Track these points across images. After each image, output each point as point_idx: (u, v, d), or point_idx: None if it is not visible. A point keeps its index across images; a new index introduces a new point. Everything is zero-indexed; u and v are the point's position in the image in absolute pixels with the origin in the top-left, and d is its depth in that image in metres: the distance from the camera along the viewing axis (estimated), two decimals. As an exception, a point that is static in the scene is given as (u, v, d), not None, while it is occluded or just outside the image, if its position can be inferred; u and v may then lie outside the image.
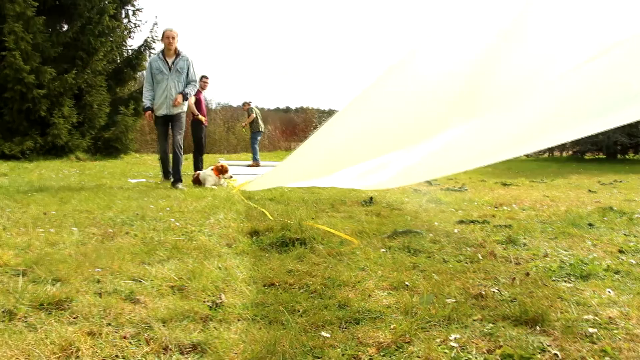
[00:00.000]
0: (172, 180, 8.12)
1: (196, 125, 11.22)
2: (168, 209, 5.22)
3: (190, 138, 11.21)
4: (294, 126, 33.11)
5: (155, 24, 20.02)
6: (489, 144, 4.04)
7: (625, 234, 4.10)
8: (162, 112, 8.03)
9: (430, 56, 3.47)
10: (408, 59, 3.44)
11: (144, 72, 24.76)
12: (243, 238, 3.84)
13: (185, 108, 8.29)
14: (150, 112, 8.02)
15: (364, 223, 4.47)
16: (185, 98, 8.10)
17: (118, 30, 18.35)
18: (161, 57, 8.01)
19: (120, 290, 2.49)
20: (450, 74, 3.56)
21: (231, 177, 9.22)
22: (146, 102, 8.02)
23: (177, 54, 8.02)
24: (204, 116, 11.07)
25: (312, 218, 4.73)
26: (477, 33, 3.26)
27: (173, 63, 7.96)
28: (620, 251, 3.47)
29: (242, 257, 3.29)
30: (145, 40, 19.75)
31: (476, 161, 4.42)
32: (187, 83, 8.17)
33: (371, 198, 6.04)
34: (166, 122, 8.14)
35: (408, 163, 4.93)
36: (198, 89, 11.48)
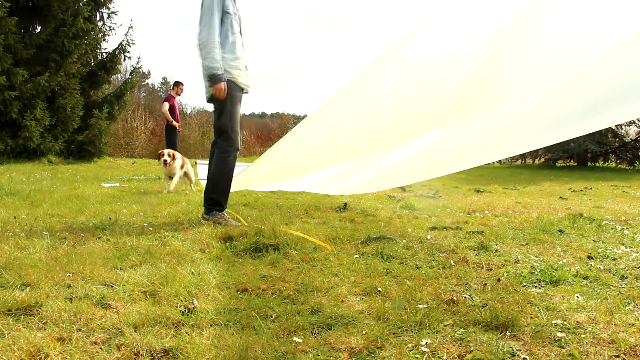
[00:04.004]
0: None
1: (170, 130, 11.26)
2: (141, 213, 5.18)
3: (164, 143, 11.34)
4: (270, 131, 33.12)
5: (131, 27, 19.84)
6: (463, 150, 4.10)
7: (594, 240, 4.17)
8: (244, 82, 4.97)
9: (405, 59, 3.52)
10: (383, 60, 3.48)
11: (119, 75, 24.39)
12: (217, 243, 3.82)
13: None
14: (223, 85, 4.71)
15: (338, 229, 4.49)
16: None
17: (92, 32, 18.22)
18: None
19: (92, 295, 2.46)
20: (427, 80, 3.61)
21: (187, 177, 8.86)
22: (221, 64, 4.70)
23: None
24: (178, 122, 11.12)
25: (286, 224, 4.74)
26: (465, 37, 3.31)
27: (237, 8, 4.98)
28: (589, 257, 3.53)
29: (216, 262, 3.27)
30: (120, 44, 19.64)
31: (453, 166, 4.48)
32: None
33: (345, 204, 6.07)
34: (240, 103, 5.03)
35: (381, 169, 4.98)
36: (172, 95, 11.52)
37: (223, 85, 4.69)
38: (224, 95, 4.73)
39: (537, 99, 3.26)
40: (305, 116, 4.83)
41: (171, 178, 8.42)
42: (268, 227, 4.22)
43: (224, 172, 4.82)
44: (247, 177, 5.45)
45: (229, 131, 4.84)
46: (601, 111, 2.87)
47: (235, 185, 5.36)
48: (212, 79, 4.66)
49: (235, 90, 4.85)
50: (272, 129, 33.52)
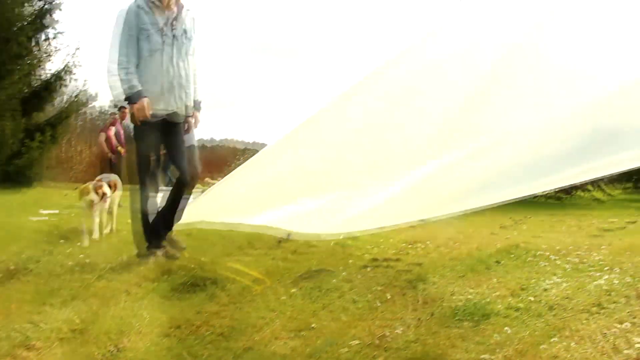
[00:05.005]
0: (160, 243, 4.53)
1: (107, 159, 11.08)
2: (79, 244, 5.04)
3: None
4: (216, 159, 32.82)
5: (78, 48, 19.37)
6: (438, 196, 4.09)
7: (528, 271, 4.29)
8: (163, 109, 4.38)
9: (379, 92, 3.56)
10: (357, 91, 3.53)
11: (64, 97, 23.83)
12: (154, 276, 3.76)
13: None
14: (145, 102, 4.19)
15: (279, 261, 4.48)
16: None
17: (36, 52, 17.77)
18: (148, 9, 4.32)
19: (14, 336, 2.38)
20: (403, 116, 3.65)
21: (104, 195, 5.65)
22: (135, 82, 4.22)
23: (180, 6, 4.49)
24: (123, 147, 10.90)
25: (227, 256, 4.69)
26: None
27: (174, 20, 4.39)
28: (522, 288, 3.62)
29: (151, 297, 3.22)
30: (66, 65, 19.18)
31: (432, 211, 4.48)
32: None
33: (288, 235, 6.05)
34: (160, 133, 4.47)
35: (352, 210, 4.93)
36: (113, 121, 11.30)
37: (145, 102, 4.18)
38: (147, 113, 4.19)
39: (516, 146, 3.33)
40: (254, 144, 4.80)
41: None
42: (207, 260, 4.18)
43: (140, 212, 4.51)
44: (203, 208, 5.25)
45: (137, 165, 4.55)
46: (577, 163, 2.94)
47: (189, 217, 5.14)
48: (129, 100, 4.25)
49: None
50: (218, 156, 33.26)
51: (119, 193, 6.37)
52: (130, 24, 4.27)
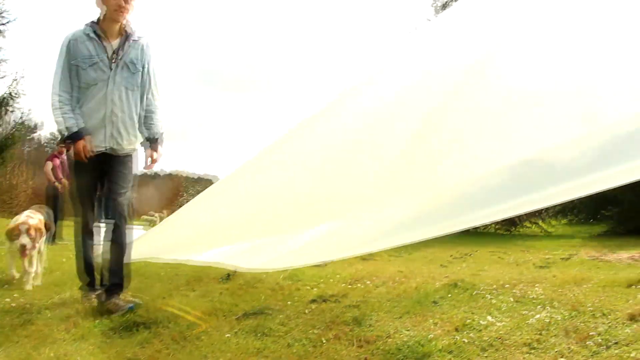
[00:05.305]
0: (105, 288, 4.27)
1: (52, 189, 10.77)
2: (7, 285, 4.85)
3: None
4: (167, 190, 32.35)
5: (21, 77, 18.58)
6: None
7: (464, 311, 4.35)
8: (95, 146, 4.17)
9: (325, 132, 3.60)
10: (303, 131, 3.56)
11: (9, 125, 23.05)
12: (86, 320, 3.65)
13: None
14: (84, 141, 4.09)
15: (217, 302, 4.42)
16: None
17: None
18: (93, 37, 4.15)
19: None
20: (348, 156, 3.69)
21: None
22: (71, 122, 4.10)
23: (127, 35, 4.27)
24: (67, 179, 10.59)
25: (164, 297, 4.60)
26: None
27: (119, 50, 4.22)
28: (456, 329, 3.68)
29: (81, 342, 3.12)
30: (3, 96, 18.62)
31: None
32: (146, 104, 4.45)
33: (228, 275, 5.98)
34: (98, 170, 4.32)
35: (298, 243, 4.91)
36: (60, 152, 10.99)
37: (82, 143, 4.06)
38: (88, 152, 4.08)
39: (456, 179, 3.39)
40: (204, 176, 4.78)
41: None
42: (144, 301, 4.09)
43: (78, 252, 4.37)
44: (153, 244, 5.09)
45: (75, 199, 4.40)
46: (516, 195, 3.02)
47: (139, 253, 4.96)
48: (70, 139, 4.12)
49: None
50: (166, 189, 32.79)
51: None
52: (71, 53, 4.11)
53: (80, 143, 4.07)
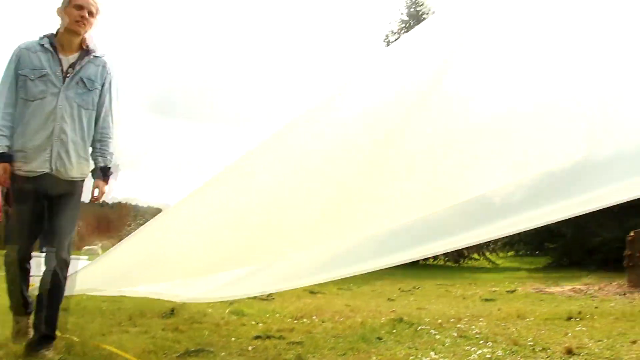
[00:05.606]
0: (36, 327, 3.75)
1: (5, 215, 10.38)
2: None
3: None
4: (109, 222, 31.55)
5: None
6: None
7: (408, 347, 4.37)
8: (37, 167, 3.66)
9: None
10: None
11: None
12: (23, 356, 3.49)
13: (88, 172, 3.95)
14: (7, 164, 3.59)
15: (158, 340, 4.30)
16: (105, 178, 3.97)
17: None
18: (48, 48, 3.73)
19: None
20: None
21: None
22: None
23: (87, 50, 3.85)
24: (10, 205, 10.21)
25: (103, 334, 4.45)
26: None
27: (75, 64, 3.77)
28: (402, 365, 3.69)
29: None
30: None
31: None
32: (101, 127, 3.93)
33: (172, 310, 5.84)
34: (41, 196, 3.74)
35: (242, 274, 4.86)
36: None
37: (2, 168, 3.56)
38: (5, 181, 3.61)
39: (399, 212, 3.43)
40: (153, 206, 4.67)
41: None
42: (80, 340, 3.94)
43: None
44: (96, 276, 4.83)
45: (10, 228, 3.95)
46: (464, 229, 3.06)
47: (82, 285, 4.68)
48: None
49: (16, 182, 3.66)
50: (111, 219, 32.02)
51: None
52: (20, 62, 3.67)
53: (3, 165, 3.58)
